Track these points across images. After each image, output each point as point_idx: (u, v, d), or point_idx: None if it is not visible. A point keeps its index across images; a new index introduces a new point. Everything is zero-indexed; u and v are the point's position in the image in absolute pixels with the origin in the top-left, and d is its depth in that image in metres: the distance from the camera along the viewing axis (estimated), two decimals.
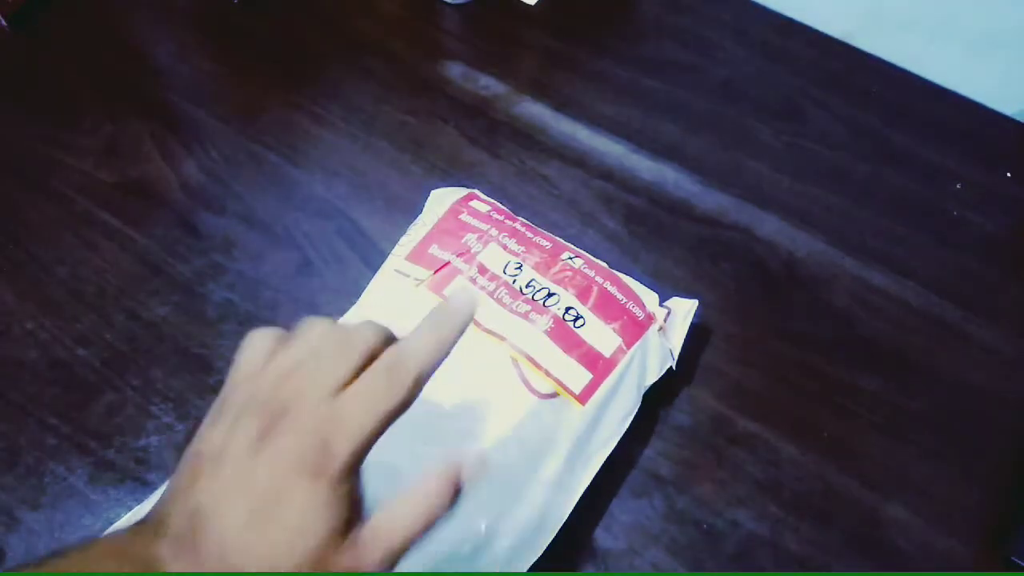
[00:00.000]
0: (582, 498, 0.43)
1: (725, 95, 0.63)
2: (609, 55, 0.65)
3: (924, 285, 0.55)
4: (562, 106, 0.62)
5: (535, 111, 0.62)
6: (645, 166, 0.59)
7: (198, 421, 0.30)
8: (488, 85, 0.63)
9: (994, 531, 0.46)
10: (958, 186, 0.59)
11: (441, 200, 0.50)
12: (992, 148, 0.62)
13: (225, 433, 0.28)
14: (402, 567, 0.29)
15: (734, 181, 0.59)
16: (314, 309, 0.51)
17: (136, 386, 0.48)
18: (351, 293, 0.48)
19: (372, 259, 0.53)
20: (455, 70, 0.64)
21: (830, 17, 0.67)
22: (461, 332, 0.31)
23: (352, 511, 0.27)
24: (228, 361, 0.48)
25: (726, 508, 0.46)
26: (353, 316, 0.46)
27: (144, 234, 0.54)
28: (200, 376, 0.49)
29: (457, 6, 0.67)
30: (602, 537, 0.45)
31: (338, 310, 0.48)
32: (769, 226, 0.57)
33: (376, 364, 0.29)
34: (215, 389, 0.48)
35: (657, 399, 0.47)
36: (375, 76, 0.63)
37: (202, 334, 0.50)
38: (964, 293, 0.54)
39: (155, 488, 0.43)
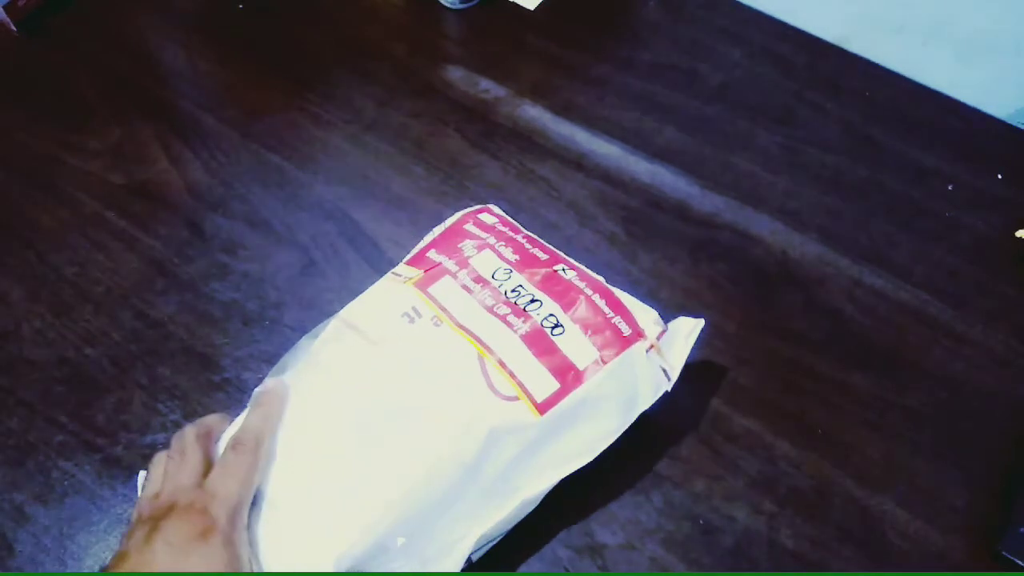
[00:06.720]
0: (580, 495, 0.43)
1: (721, 99, 0.64)
2: (607, 59, 0.66)
3: (917, 285, 0.55)
4: (561, 109, 0.63)
5: (535, 114, 0.63)
6: (643, 168, 0.60)
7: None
8: (488, 88, 0.64)
9: (985, 526, 0.47)
10: (950, 187, 0.60)
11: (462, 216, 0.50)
12: (983, 150, 0.62)
13: (127, 538, 0.37)
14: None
15: (730, 183, 0.60)
16: (317, 308, 0.52)
17: (143, 384, 0.49)
18: (354, 292, 0.49)
19: (374, 259, 0.54)
20: (456, 74, 0.65)
21: (824, 22, 0.67)
22: (281, 405, 0.41)
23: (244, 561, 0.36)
24: (234, 360, 0.50)
25: (722, 504, 0.47)
26: (349, 312, 0.46)
27: (151, 235, 0.55)
28: (206, 374, 0.50)
29: (458, 10, 0.68)
30: (600, 532, 0.46)
31: (340, 309, 0.49)
32: (764, 227, 0.58)
33: (226, 447, 0.39)
34: (220, 387, 0.49)
35: None
36: (377, 79, 0.64)
37: (208, 333, 0.51)
38: (956, 293, 0.55)
39: None
